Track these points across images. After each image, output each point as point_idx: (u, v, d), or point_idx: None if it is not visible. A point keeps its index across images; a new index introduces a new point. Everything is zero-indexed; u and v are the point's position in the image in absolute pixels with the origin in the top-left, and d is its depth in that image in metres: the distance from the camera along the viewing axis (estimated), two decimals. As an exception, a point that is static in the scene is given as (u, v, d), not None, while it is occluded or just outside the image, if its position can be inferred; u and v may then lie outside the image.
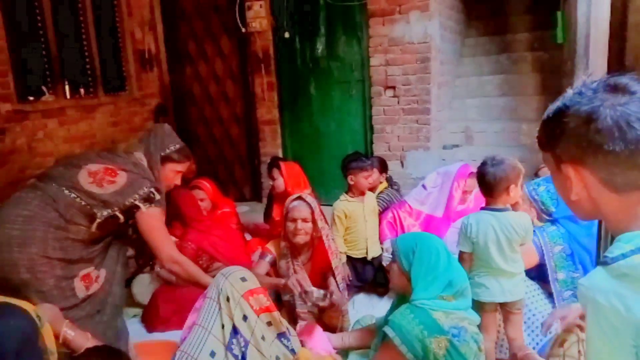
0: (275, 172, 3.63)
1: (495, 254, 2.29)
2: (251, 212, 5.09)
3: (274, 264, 2.80)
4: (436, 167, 4.83)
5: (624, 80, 0.86)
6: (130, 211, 2.14)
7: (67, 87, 4.77)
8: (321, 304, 2.44)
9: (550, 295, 2.63)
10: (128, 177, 2.15)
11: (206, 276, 2.21)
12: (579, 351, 1.86)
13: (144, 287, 3.26)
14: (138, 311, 3.20)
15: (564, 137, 0.90)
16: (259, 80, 5.37)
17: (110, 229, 2.16)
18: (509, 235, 2.28)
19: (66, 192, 2.05)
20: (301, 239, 2.60)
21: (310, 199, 2.69)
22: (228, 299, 1.58)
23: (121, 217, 2.11)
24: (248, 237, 4.04)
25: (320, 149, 5.34)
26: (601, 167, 0.86)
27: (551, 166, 0.96)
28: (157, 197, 2.19)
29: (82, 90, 4.97)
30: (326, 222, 2.96)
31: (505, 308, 2.36)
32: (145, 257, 2.67)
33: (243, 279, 1.65)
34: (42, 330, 1.49)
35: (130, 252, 2.56)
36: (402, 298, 2.06)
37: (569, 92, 0.91)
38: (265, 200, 4.61)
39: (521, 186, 2.40)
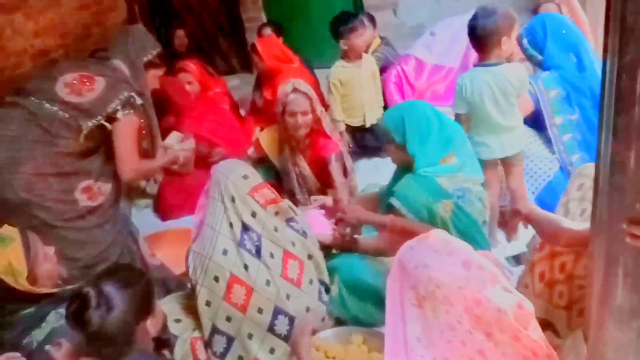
0: (254, 57, 3.43)
1: (493, 110, 2.25)
2: (243, 85, 4.95)
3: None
4: (432, 12, 4.55)
5: None
6: (114, 119, 2.05)
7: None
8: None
9: (548, 141, 2.66)
10: (107, 82, 2.03)
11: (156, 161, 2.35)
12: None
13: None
14: (149, 202, 3.27)
15: None
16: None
17: (102, 139, 2.09)
18: (505, 89, 2.23)
19: (47, 105, 1.96)
20: (303, 131, 2.55)
21: (305, 86, 2.55)
22: (233, 199, 1.61)
23: (108, 125, 2.03)
24: (243, 112, 3.96)
25: (307, 6, 5.00)
26: None
27: None
28: (139, 102, 2.10)
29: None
30: (323, 102, 2.84)
31: (506, 161, 2.39)
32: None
33: (245, 177, 1.66)
34: (7, 250, 1.51)
35: None
36: (405, 167, 2.09)
37: None
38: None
39: (516, 37, 2.28)
